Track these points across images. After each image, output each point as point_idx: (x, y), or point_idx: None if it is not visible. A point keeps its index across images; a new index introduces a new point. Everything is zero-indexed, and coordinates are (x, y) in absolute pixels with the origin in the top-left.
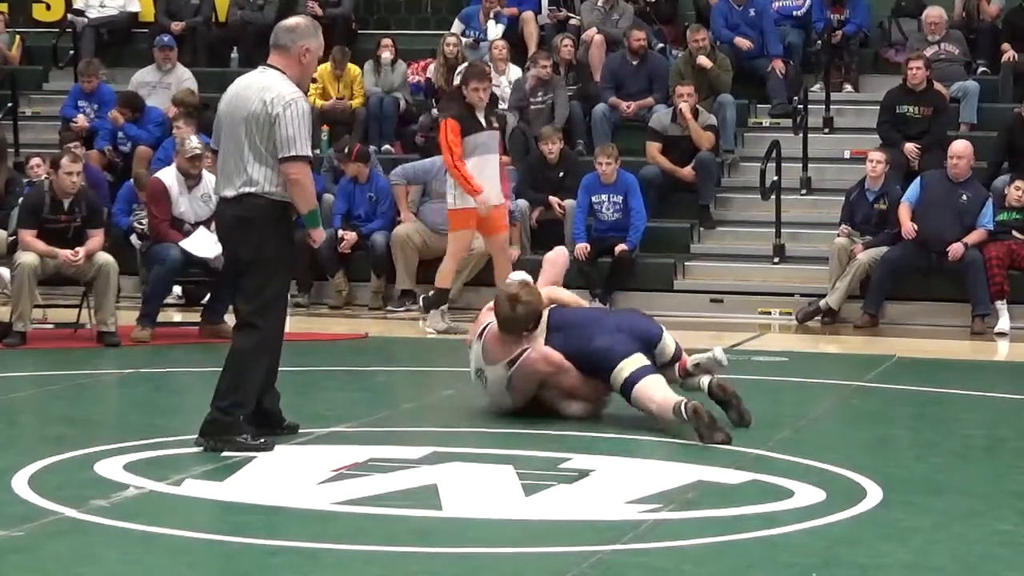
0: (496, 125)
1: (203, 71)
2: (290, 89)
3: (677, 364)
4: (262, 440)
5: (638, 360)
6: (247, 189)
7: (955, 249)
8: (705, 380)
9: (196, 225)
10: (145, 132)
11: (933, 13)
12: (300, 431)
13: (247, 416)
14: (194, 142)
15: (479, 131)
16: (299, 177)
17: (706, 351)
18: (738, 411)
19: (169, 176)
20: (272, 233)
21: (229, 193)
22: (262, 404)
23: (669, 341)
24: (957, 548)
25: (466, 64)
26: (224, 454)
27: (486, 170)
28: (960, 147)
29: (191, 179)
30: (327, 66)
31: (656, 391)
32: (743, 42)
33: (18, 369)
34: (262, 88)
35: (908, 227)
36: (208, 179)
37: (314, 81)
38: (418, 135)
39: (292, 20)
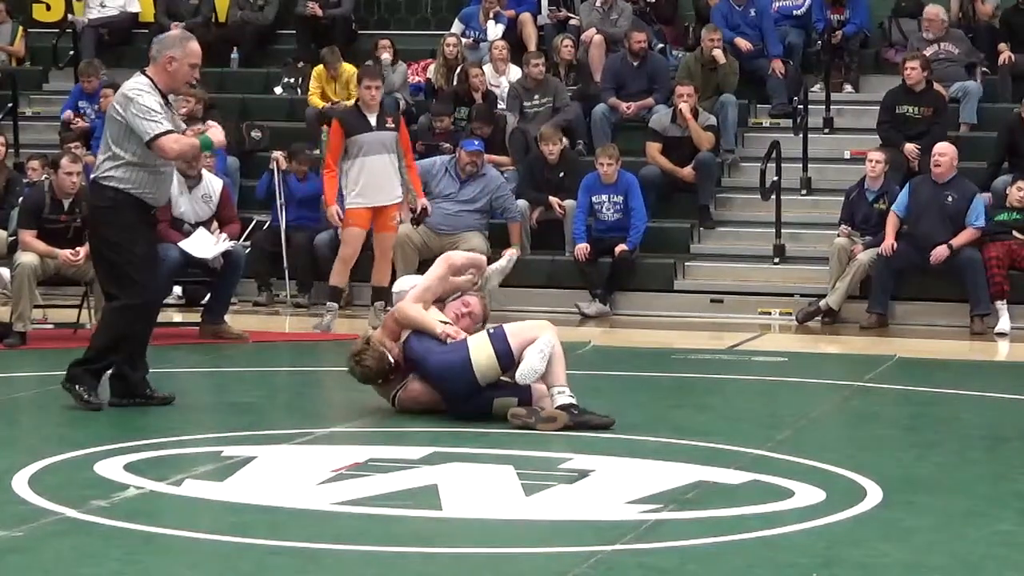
0: (391, 126)
1: (203, 71)
2: (132, 86)
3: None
4: (92, 399)
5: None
6: (99, 178)
7: (938, 253)
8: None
9: (196, 225)
10: None
11: (931, 11)
12: (301, 431)
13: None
14: None
15: (366, 132)
16: (168, 151)
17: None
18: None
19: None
20: (118, 218)
21: (92, 175)
22: (127, 376)
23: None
24: (957, 548)
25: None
26: (223, 454)
27: (373, 171)
28: (942, 147)
29: (190, 179)
30: (321, 68)
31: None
32: (743, 43)
33: (18, 369)
34: (120, 89)
35: (889, 243)
36: (208, 179)
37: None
38: (419, 143)
39: (167, 32)
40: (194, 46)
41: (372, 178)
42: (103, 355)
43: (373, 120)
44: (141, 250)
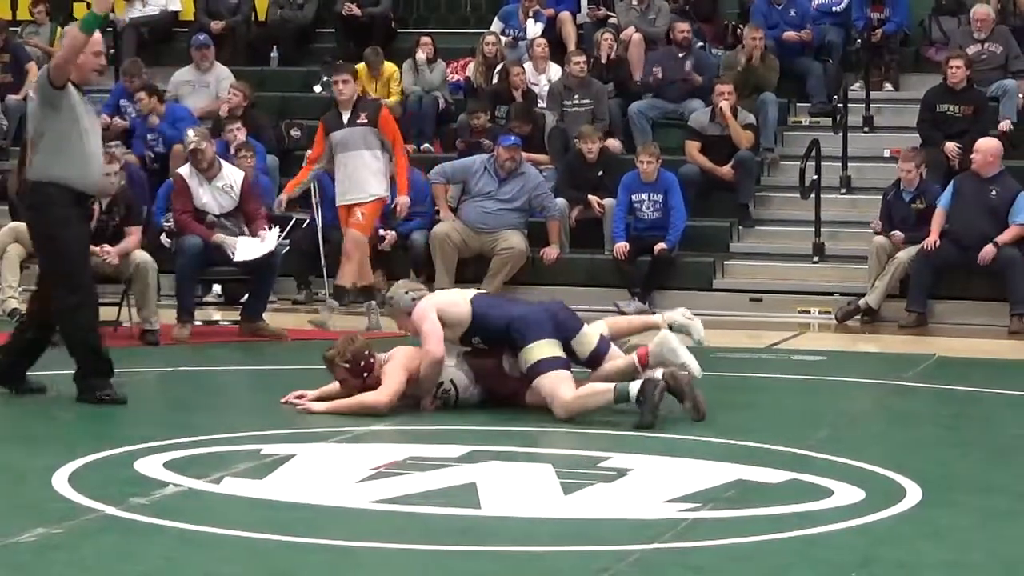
0: (363, 121)
1: (243, 70)
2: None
3: (611, 361)
4: (115, 394)
5: (551, 348)
6: (30, 177)
7: (986, 252)
8: (658, 373)
9: (220, 216)
10: (178, 132)
11: (980, 11)
12: (340, 429)
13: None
14: (190, 136)
15: (338, 128)
16: (56, 60)
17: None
18: (693, 402)
19: (187, 169)
20: (44, 214)
21: (27, 176)
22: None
23: (589, 337)
24: (997, 547)
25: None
26: (262, 452)
27: (347, 167)
28: (984, 143)
29: (208, 171)
30: (362, 66)
31: (561, 387)
32: (792, 34)
33: (58, 367)
34: None
35: (933, 238)
36: (228, 169)
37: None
38: (459, 141)
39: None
40: (96, 36)
41: (347, 174)
42: (88, 359)
43: (345, 117)
44: (74, 246)
